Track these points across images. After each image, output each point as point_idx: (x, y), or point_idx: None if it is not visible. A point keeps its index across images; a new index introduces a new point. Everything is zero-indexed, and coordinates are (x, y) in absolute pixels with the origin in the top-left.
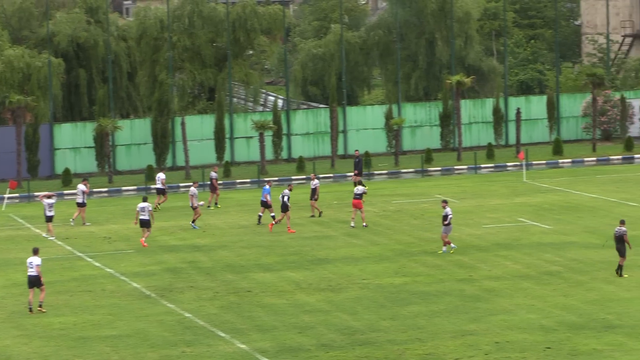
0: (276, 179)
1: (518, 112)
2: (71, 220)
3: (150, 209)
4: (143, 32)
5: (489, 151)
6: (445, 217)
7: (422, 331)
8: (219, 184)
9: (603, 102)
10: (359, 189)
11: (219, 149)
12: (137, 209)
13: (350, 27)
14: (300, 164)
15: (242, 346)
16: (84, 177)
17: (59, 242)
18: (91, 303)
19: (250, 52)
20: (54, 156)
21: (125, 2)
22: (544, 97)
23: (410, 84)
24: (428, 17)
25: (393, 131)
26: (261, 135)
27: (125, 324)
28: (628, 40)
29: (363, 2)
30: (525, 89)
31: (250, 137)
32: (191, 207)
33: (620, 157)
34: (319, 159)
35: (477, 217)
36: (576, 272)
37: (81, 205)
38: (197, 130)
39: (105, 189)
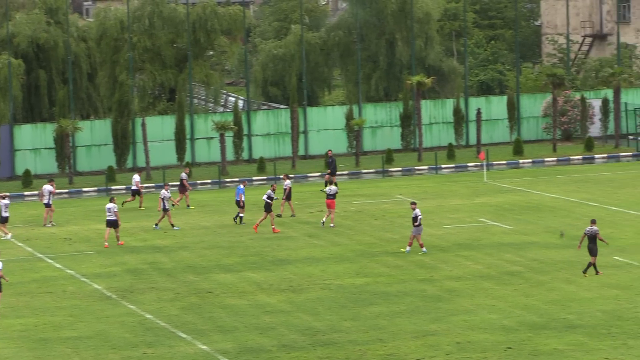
0: (236, 179)
1: (478, 113)
2: (51, 223)
3: (116, 209)
4: (103, 32)
5: (450, 151)
6: (415, 218)
7: (384, 331)
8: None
9: (563, 102)
10: (332, 188)
11: (180, 149)
12: (105, 210)
13: (311, 27)
14: (261, 165)
15: (204, 347)
16: (50, 178)
17: (20, 244)
18: (52, 304)
19: (211, 52)
20: (14, 157)
21: (85, 3)
22: (505, 98)
23: (370, 85)
24: (388, 18)
25: (354, 132)
26: (222, 136)
27: (86, 325)
28: (588, 40)
29: (323, 3)
30: (486, 90)
31: (211, 138)
32: (161, 209)
33: (580, 157)
34: (280, 159)
35: (438, 217)
36: (537, 272)
37: (47, 205)
38: (157, 131)
39: (66, 190)
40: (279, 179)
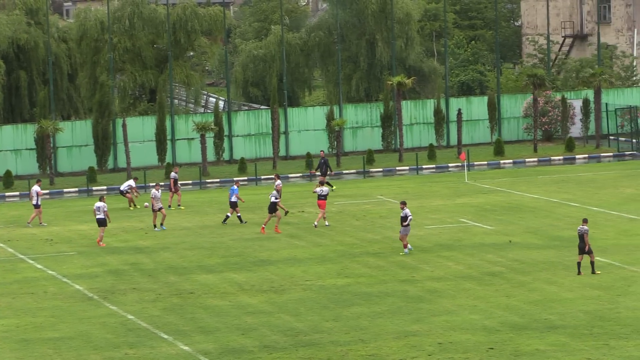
0: (217, 180)
1: (459, 113)
2: (41, 223)
3: (105, 209)
4: (83, 33)
5: (431, 152)
6: (405, 218)
7: (365, 332)
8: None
9: (544, 102)
10: (324, 189)
11: (161, 150)
12: (94, 208)
13: (291, 28)
14: (242, 166)
15: (185, 348)
16: (37, 179)
17: (1, 245)
18: (33, 305)
19: (191, 53)
20: None
21: (65, 4)
22: (485, 98)
23: (351, 85)
24: (369, 18)
25: (334, 132)
26: (202, 136)
27: (68, 326)
28: (568, 41)
29: (303, 4)
30: (466, 90)
31: (192, 139)
32: (152, 209)
33: (561, 157)
34: (261, 160)
35: (419, 217)
36: (518, 272)
37: (36, 206)
38: (138, 132)
39: (47, 191)
40: (259, 179)
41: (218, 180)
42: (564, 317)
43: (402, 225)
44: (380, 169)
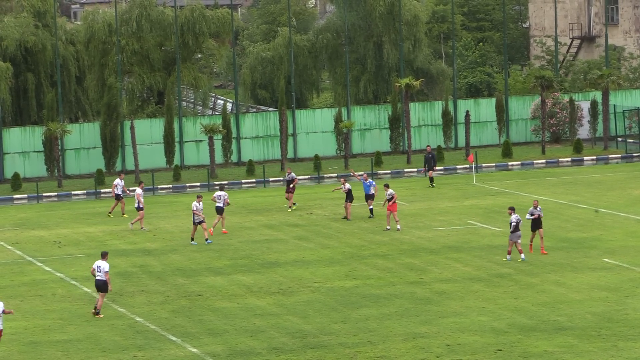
0: (225, 182)
1: (467, 115)
2: (142, 228)
3: (226, 197)
4: (91, 36)
5: (439, 154)
6: (510, 223)
7: (374, 334)
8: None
9: (552, 104)
10: (391, 192)
11: (169, 152)
12: (214, 197)
13: (299, 30)
14: (250, 168)
15: (194, 350)
16: (140, 181)
17: (9, 247)
18: (42, 308)
19: (199, 55)
20: (3, 161)
21: (73, 6)
22: (493, 100)
23: (359, 87)
24: (376, 20)
25: (342, 134)
26: (210, 139)
27: (76, 328)
28: (576, 42)
29: (311, 6)
30: (474, 92)
31: (200, 141)
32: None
33: (569, 159)
34: (269, 162)
35: (427, 219)
36: (526, 274)
37: (139, 209)
38: (146, 134)
39: (55, 193)
40: (267, 181)
41: (226, 182)
42: (572, 319)
43: (510, 232)
44: (389, 171)
